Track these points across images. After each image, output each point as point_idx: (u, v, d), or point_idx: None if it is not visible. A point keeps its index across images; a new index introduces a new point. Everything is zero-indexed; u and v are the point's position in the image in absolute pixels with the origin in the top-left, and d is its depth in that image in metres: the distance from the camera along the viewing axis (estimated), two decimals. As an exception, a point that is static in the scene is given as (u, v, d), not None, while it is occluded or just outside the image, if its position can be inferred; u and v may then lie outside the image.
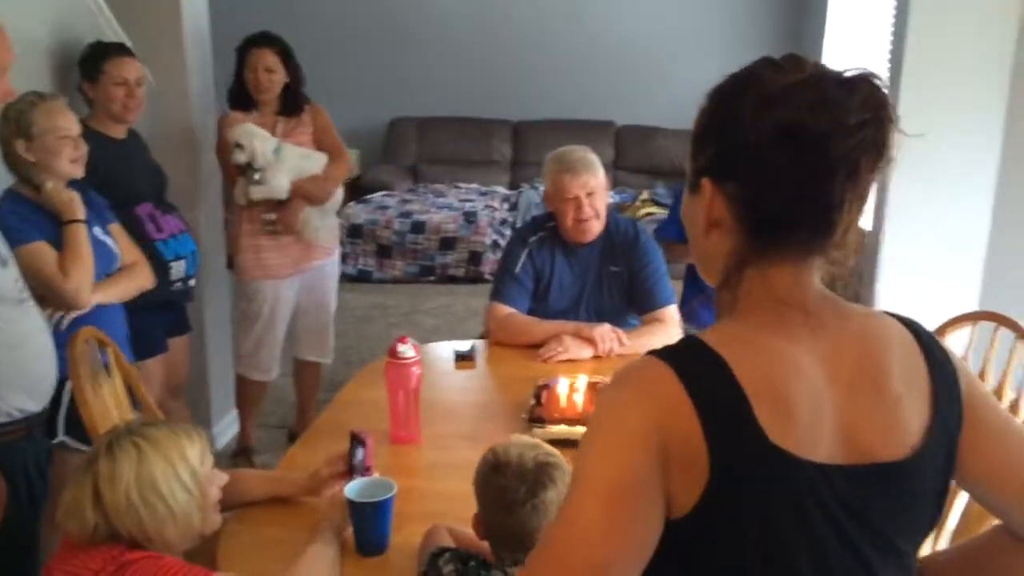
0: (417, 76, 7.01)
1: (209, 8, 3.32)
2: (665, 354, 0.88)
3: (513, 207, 6.31)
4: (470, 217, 5.91)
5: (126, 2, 3.00)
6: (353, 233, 5.87)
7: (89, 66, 2.66)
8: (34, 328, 1.63)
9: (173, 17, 3.10)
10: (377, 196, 6.27)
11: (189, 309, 3.03)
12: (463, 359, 2.52)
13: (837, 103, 0.84)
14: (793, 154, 0.84)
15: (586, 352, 2.48)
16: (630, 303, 2.67)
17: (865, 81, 0.85)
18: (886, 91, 0.86)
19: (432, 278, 5.89)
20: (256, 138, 3.01)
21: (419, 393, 2.00)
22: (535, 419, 2.01)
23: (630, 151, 6.77)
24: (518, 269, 2.64)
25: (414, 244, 5.85)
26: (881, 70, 4.54)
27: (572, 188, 2.53)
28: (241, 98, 3.17)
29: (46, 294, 2.06)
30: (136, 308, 2.52)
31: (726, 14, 6.74)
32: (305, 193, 3.15)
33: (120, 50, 2.72)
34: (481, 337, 4.75)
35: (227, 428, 3.59)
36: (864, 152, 0.85)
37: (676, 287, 3.06)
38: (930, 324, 1.22)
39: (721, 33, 6.76)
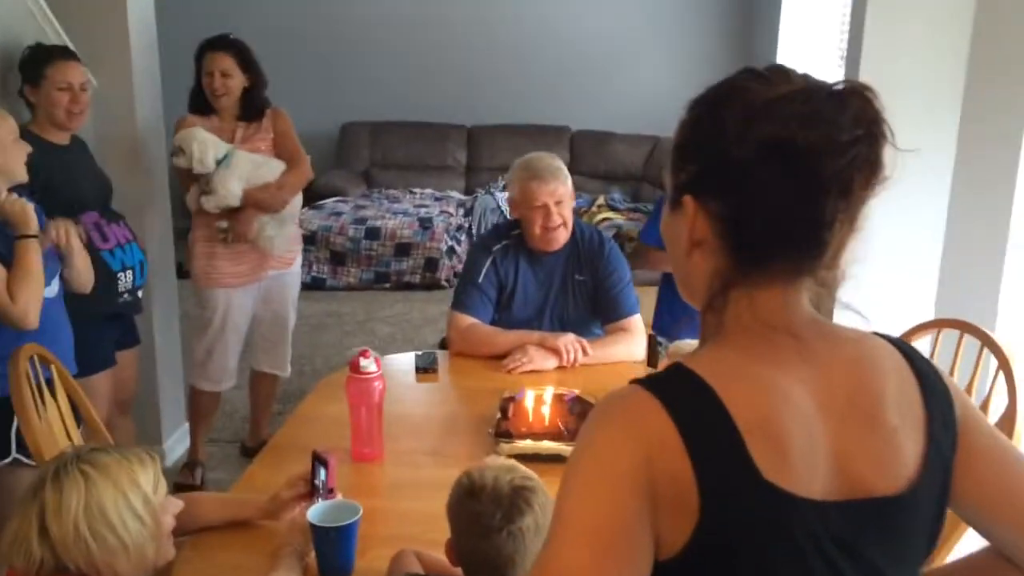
0: (369, 80, 6.92)
1: (156, 12, 3.22)
2: (652, 384, 0.82)
3: (468, 212, 6.26)
4: (425, 223, 5.84)
5: (69, 3, 2.89)
6: (307, 240, 5.73)
7: (30, 70, 2.55)
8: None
9: (119, 19, 3.00)
10: (330, 202, 6.17)
11: (138, 320, 2.93)
12: (425, 371, 2.46)
13: (828, 118, 0.80)
14: (781, 172, 0.80)
15: (551, 362, 2.44)
16: (595, 312, 2.63)
17: (857, 94, 0.82)
18: (879, 105, 0.83)
19: (387, 285, 5.80)
20: (196, 142, 2.90)
21: (382, 408, 1.94)
22: (501, 433, 1.96)
23: (585, 156, 6.76)
24: (481, 278, 2.59)
25: (369, 250, 5.76)
26: (835, 74, 4.60)
27: (541, 196, 2.50)
28: (200, 102, 3.07)
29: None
30: (82, 320, 2.43)
31: (678, 18, 6.78)
32: (256, 201, 3.05)
33: (63, 53, 2.61)
34: (441, 347, 4.75)
35: (177, 443, 3.48)
36: (857, 170, 0.81)
37: (650, 294, 3.06)
38: (888, 331, 1.23)
39: (674, 37, 6.81)
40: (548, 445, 1.90)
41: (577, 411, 2.06)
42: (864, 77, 2.91)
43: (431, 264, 5.79)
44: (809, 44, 5.53)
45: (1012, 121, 2.79)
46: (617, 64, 6.83)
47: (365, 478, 1.91)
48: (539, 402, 2.06)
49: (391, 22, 6.82)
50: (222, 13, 6.29)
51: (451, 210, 6.18)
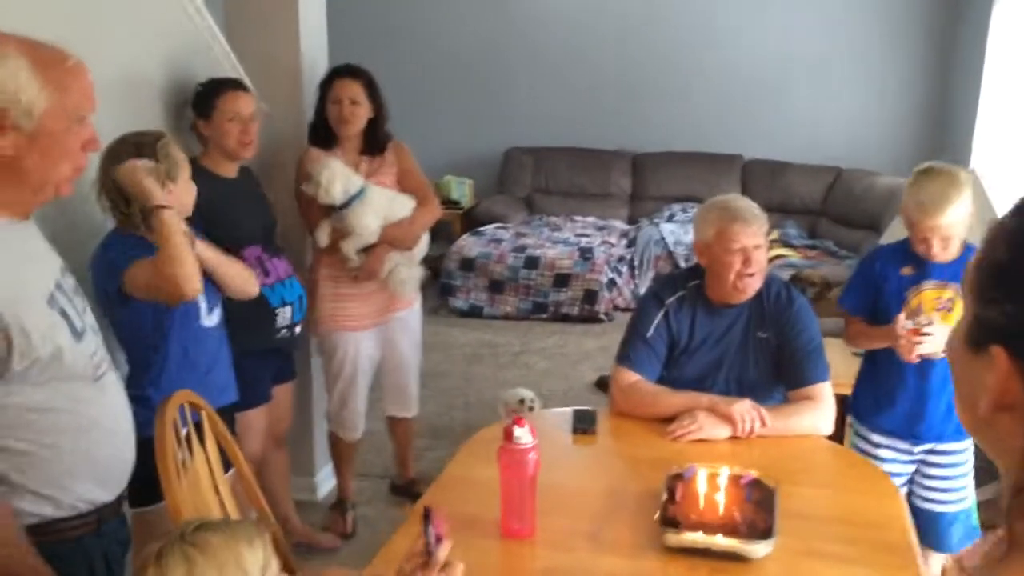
0: (533, 106, 6.85)
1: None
2: None
3: (631, 243, 6.04)
4: (586, 254, 5.67)
5: (245, 36, 2.91)
6: (465, 266, 5.72)
7: (202, 103, 2.57)
8: (111, 407, 1.48)
9: (292, 50, 3.00)
10: (490, 228, 6.11)
11: (295, 355, 2.90)
12: (584, 432, 2.26)
13: None
14: None
15: (722, 431, 2.19)
16: (777, 376, 2.36)
17: None
18: None
19: (544, 316, 5.66)
20: (327, 170, 2.78)
21: (536, 482, 1.77)
22: (668, 521, 1.73)
23: (757, 187, 6.37)
24: (650, 332, 2.37)
25: (527, 280, 5.65)
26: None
27: (742, 238, 2.26)
28: (322, 134, 2.96)
29: (164, 299, 1.93)
30: (241, 354, 2.41)
31: (859, 45, 6.29)
32: (392, 238, 2.93)
33: (234, 84, 2.61)
34: (598, 385, 4.56)
35: (328, 476, 3.44)
36: None
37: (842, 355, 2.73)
38: None
39: (853, 65, 6.32)
40: (721, 542, 1.66)
41: (755, 499, 1.81)
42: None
43: (590, 296, 5.61)
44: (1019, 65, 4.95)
45: None
46: (793, 89, 6.42)
47: (514, 559, 1.75)
48: (712, 485, 1.82)
49: (556, 47, 6.72)
50: (384, 42, 6.41)
51: (613, 240, 5.98)
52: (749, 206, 2.33)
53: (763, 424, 2.19)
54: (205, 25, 2.70)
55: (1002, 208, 2.17)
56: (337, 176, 2.78)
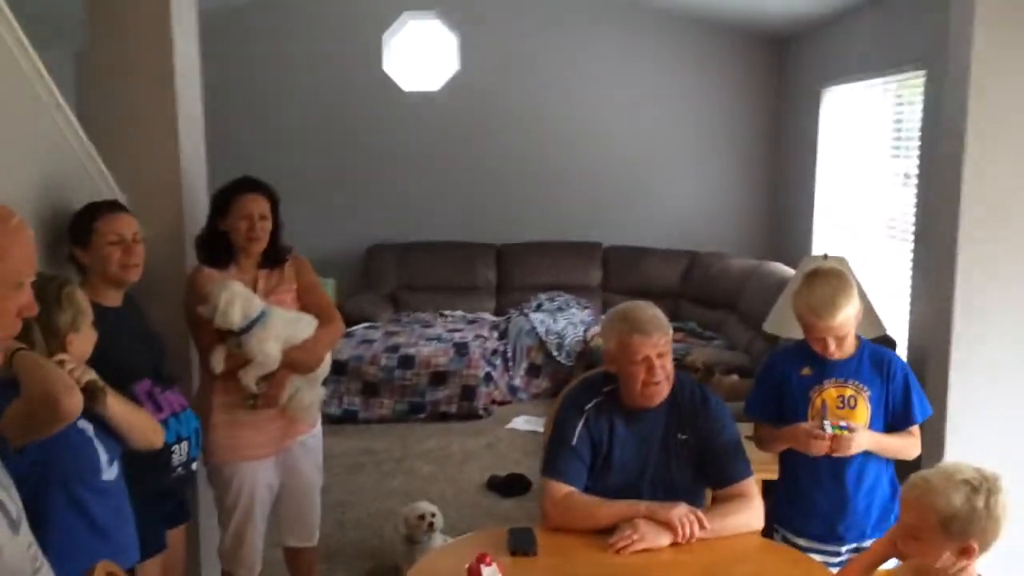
0: (394, 201, 6.84)
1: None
2: None
3: (503, 335, 6.05)
4: (461, 349, 5.62)
5: (121, 156, 2.73)
6: (337, 370, 5.51)
7: (79, 230, 2.37)
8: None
9: (171, 168, 2.84)
10: (360, 329, 5.95)
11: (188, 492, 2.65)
12: (523, 553, 2.17)
13: None
14: None
15: (664, 539, 2.16)
16: (702, 476, 2.37)
17: None
18: None
19: (422, 416, 5.53)
20: (226, 293, 2.60)
21: (504, 623, 1.67)
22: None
23: (618, 273, 6.61)
24: (575, 440, 2.34)
25: (403, 380, 5.51)
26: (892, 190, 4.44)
27: (643, 349, 2.27)
28: (218, 251, 2.79)
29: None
30: (133, 500, 2.16)
31: (705, 140, 6.75)
32: (294, 362, 2.75)
33: (112, 207, 2.43)
34: (489, 486, 4.44)
35: (224, 621, 3.14)
36: None
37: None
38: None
39: (701, 158, 6.76)
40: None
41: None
42: (964, 213, 2.77)
43: (468, 392, 5.54)
44: (855, 165, 5.43)
45: None
46: (648, 180, 6.76)
47: None
48: (679, 604, 1.78)
49: (414, 143, 6.78)
50: (243, 140, 6.25)
51: (485, 333, 5.97)
52: (651, 316, 2.33)
53: (702, 527, 2.18)
54: (82, 148, 2.51)
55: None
56: (237, 299, 2.60)
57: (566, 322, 6.10)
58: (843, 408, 2.36)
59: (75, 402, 1.74)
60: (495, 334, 6.04)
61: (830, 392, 2.36)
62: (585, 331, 5.99)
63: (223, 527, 2.86)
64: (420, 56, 6.87)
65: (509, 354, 5.94)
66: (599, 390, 2.42)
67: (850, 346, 2.37)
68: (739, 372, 4.80)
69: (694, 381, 2.50)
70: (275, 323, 2.69)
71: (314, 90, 6.63)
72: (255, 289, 2.75)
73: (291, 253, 2.91)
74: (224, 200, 2.77)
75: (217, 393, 2.76)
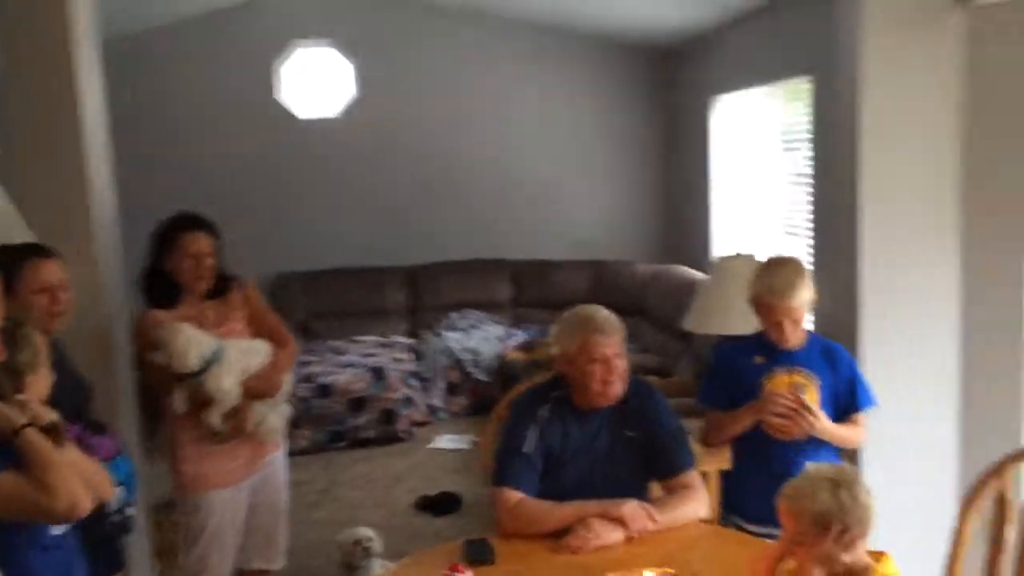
0: (300, 229, 6.72)
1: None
2: None
3: (419, 357, 6.03)
4: (379, 374, 5.57)
5: (30, 195, 2.62)
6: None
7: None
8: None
9: (80, 201, 2.74)
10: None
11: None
12: (481, 563, 2.19)
13: None
14: None
15: (617, 535, 2.22)
16: (649, 470, 2.45)
17: None
18: None
19: (343, 444, 5.45)
20: (183, 338, 2.61)
21: (481, 630, 1.68)
22: (617, 639, 1.72)
23: (529, 287, 6.70)
24: (526, 447, 2.37)
25: (321, 409, 5.42)
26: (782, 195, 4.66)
27: (602, 349, 2.34)
28: (163, 290, 2.78)
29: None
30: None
31: (605, 146, 6.92)
32: (255, 391, 2.78)
33: (37, 251, 2.34)
34: (419, 506, 4.41)
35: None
36: None
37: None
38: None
39: (602, 164, 6.93)
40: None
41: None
42: (862, 207, 2.96)
43: (388, 416, 5.50)
44: (740, 158, 5.68)
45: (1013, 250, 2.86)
46: (550, 194, 6.87)
47: None
48: (645, 594, 1.84)
49: (317, 170, 6.70)
50: (145, 168, 6.04)
51: (401, 356, 5.94)
52: (606, 317, 2.42)
53: (653, 521, 2.25)
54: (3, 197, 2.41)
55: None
56: (192, 343, 2.59)
57: (480, 338, 6.13)
58: (793, 395, 2.46)
59: (86, 507, 1.76)
60: (410, 356, 6.02)
61: (782, 379, 2.48)
62: (500, 346, 6.04)
63: (185, 552, 2.83)
64: (317, 83, 6.81)
65: (426, 375, 5.93)
66: (547, 396, 2.46)
67: (801, 336, 2.49)
68: (657, 373, 4.95)
69: (638, 379, 2.58)
70: (231, 358, 2.69)
71: (213, 119, 6.47)
72: (204, 322, 2.74)
73: (237, 281, 2.90)
74: (167, 239, 2.74)
75: (182, 429, 2.76)
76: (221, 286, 2.86)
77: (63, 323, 2.35)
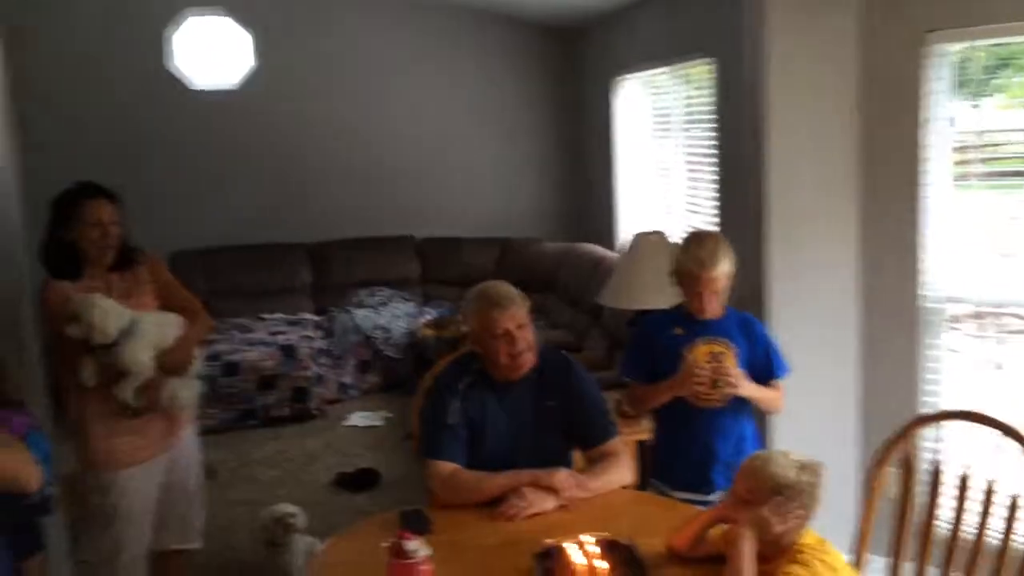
0: (196, 204, 6.51)
1: None
2: None
3: (328, 334, 5.97)
4: (289, 351, 5.50)
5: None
6: (155, 385, 5.23)
7: None
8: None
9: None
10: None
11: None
12: (419, 532, 2.21)
13: None
14: None
15: (549, 503, 2.29)
16: (570, 439, 2.53)
17: None
18: None
19: (254, 422, 5.36)
20: (98, 310, 2.55)
21: (431, 596, 1.72)
22: (561, 600, 1.79)
23: (435, 264, 6.71)
24: (450, 419, 2.42)
25: (229, 388, 5.31)
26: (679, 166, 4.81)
27: (502, 323, 2.39)
28: (63, 262, 2.69)
29: None
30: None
31: (505, 128, 6.97)
32: (169, 365, 2.73)
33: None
34: (338, 483, 4.39)
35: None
36: None
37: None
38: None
39: (503, 146, 6.99)
40: (623, 605, 1.76)
41: (622, 558, 1.93)
42: (770, 179, 3.11)
43: (300, 394, 5.44)
44: (643, 138, 5.83)
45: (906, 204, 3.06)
46: (455, 172, 6.89)
47: None
48: (586, 555, 1.91)
49: (212, 143, 6.50)
50: (36, 141, 5.73)
51: (310, 333, 5.87)
52: (505, 291, 2.47)
53: (583, 488, 2.34)
54: None
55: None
56: (109, 314, 2.50)
57: (390, 316, 6.12)
58: (713, 363, 2.57)
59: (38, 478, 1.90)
60: (320, 333, 5.96)
61: (701, 348, 2.57)
62: (411, 323, 6.04)
63: (95, 537, 2.75)
64: (212, 53, 6.59)
65: (336, 352, 5.88)
66: (469, 369, 2.51)
67: (719, 308, 2.60)
68: (568, 348, 5.04)
69: (556, 350, 2.65)
70: (146, 330, 2.64)
71: (107, 90, 6.19)
72: (109, 293, 2.66)
73: (142, 254, 2.82)
74: (69, 208, 2.64)
75: (91, 403, 2.67)
76: (126, 258, 2.79)
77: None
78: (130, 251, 2.81)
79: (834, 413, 3.27)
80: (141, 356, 2.62)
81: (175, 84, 6.37)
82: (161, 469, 2.85)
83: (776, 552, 1.83)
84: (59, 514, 2.81)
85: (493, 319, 2.40)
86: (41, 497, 2.31)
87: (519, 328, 2.42)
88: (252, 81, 6.49)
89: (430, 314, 6.13)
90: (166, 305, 2.84)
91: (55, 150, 5.73)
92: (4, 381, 2.38)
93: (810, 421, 3.11)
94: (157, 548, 2.98)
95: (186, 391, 2.80)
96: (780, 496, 1.80)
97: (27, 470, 1.94)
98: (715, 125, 4.51)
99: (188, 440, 2.96)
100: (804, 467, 1.84)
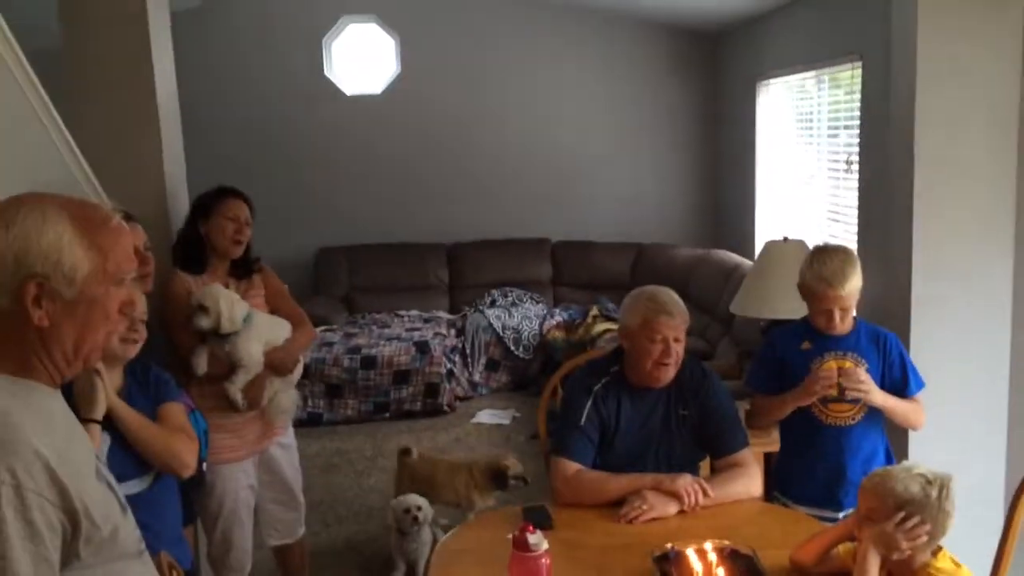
0: (342, 204, 6.84)
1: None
2: None
3: (460, 332, 6.13)
4: (422, 347, 5.67)
5: (108, 164, 2.72)
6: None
7: None
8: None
9: (156, 173, 2.84)
10: (318, 332, 5.93)
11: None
12: (538, 527, 2.26)
13: None
14: None
15: (671, 508, 2.29)
16: (701, 448, 2.51)
17: None
18: None
19: (387, 415, 5.57)
20: (223, 299, 2.70)
21: (550, 590, 1.77)
22: (679, 603, 1.80)
23: (568, 267, 6.76)
24: (583, 420, 2.44)
25: (366, 381, 5.54)
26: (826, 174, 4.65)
27: (665, 330, 2.40)
28: (195, 256, 2.85)
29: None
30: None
31: (648, 128, 6.93)
32: (275, 363, 2.85)
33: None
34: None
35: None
36: None
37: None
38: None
39: (645, 147, 6.94)
40: (739, 614, 1.75)
41: (742, 568, 1.92)
42: (917, 194, 2.97)
43: (432, 390, 5.60)
44: (785, 143, 5.68)
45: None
46: (592, 176, 6.92)
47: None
48: (704, 562, 1.91)
49: (359, 146, 6.79)
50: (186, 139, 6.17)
51: (443, 331, 6.04)
52: (675, 300, 2.46)
53: (706, 495, 2.32)
54: (72, 157, 2.51)
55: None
56: (236, 304, 2.68)
57: (521, 316, 6.21)
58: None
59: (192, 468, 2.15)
60: (452, 331, 6.12)
61: (831, 364, 2.48)
62: (541, 324, 6.12)
63: (208, 534, 2.90)
64: (361, 60, 6.89)
65: (468, 350, 6.03)
66: (606, 371, 2.53)
67: (849, 323, 2.51)
68: (698, 356, 4.98)
69: (694, 359, 2.63)
70: (259, 325, 2.78)
71: (261, 94, 6.59)
72: None
73: (259, 264, 2.99)
74: (209, 203, 2.84)
75: (194, 397, 2.75)
76: (247, 266, 2.95)
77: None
78: (251, 260, 2.97)
79: (981, 430, 3.08)
80: (252, 347, 2.74)
81: (329, 90, 6.70)
82: (255, 469, 2.96)
83: (907, 573, 1.77)
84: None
85: (659, 323, 2.40)
86: (198, 472, 2.49)
87: (676, 341, 2.42)
88: (396, 86, 6.74)
89: (560, 316, 6.19)
90: (274, 312, 2.97)
91: (212, 155, 6.15)
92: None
93: (953, 439, 2.95)
94: (267, 543, 3.14)
95: (286, 397, 2.90)
96: (903, 512, 1.73)
97: (187, 459, 2.11)
98: (860, 131, 4.36)
99: (285, 443, 3.05)
100: (929, 481, 1.75)
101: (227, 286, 2.86)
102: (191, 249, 2.85)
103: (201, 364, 2.75)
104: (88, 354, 1.23)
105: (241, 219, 2.86)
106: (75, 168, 2.56)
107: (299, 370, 3.01)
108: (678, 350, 2.42)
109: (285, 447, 3.04)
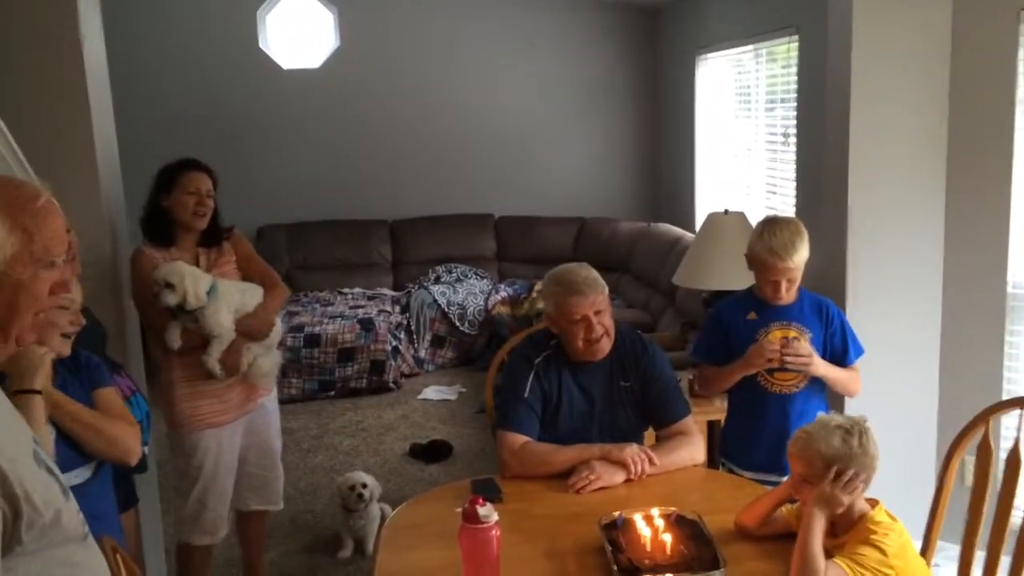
0: (282, 181, 6.71)
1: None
2: None
3: (404, 309, 6.10)
4: (367, 325, 5.63)
5: (35, 135, 2.62)
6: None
7: None
8: (101, 569, 1.29)
9: (86, 143, 2.75)
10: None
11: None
12: (489, 501, 2.27)
13: None
14: None
15: (618, 477, 2.32)
16: (644, 418, 2.54)
17: None
18: None
19: (332, 393, 5.53)
20: (188, 276, 2.70)
21: (499, 562, 1.78)
22: (626, 570, 1.82)
23: (512, 242, 6.76)
24: (527, 392, 2.46)
25: (310, 359, 5.48)
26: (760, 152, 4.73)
27: (580, 309, 2.40)
28: (159, 231, 2.84)
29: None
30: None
31: (589, 102, 6.94)
32: (248, 329, 2.87)
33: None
34: (411, 453, 4.52)
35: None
36: None
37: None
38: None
39: (586, 121, 6.96)
40: (687, 578, 1.78)
41: (688, 533, 1.95)
42: (853, 164, 3.04)
43: (377, 367, 5.57)
44: (724, 117, 5.75)
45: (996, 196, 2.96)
46: (533, 151, 6.91)
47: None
48: (652, 527, 1.94)
49: (299, 121, 6.67)
50: (126, 117, 5.99)
51: (388, 308, 6.00)
52: (585, 277, 2.45)
53: (652, 464, 2.35)
54: (3, 141, 2.40)
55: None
56: (199, 279, 2.64)
57: (466, 292, 6.21)
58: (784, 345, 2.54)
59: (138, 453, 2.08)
60: (397, 308, 6.09)
61: (775, 333, 2.54)
62: (486, 300, 6.12)
63: (183, 495, 2.91)
64: (299, 33, 6.75)
65: (413, 327, 6.01)
66: (546, 344, 2.54)
67: (794, 293, 2.56)
68: (642, 328, 5.04)
69: (633, 330, 2.66)
70: (226, 294, 2.78)
71: (197, 68, 6.42)
72: (197, 264, 2.83)
73: (230, 232, 2.95)
74: (170, 176, 2.82)
75: (176, 367, 2.83)
76: (215, 235, 2.93)
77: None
78: (219, 229, 2.95)
79: (914, 398, 3.20)
80: (222, 318, 2.75)
81: (265, 64, 6.55)
82: (241, 433, 2.98)
83: (848, 523, 1.82)
84: (153, 476, 2.95)
85: (572, 304, 2.41)
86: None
87: (597, 314, 2.42)
88: (335, 60, 6.62)
89: (505, 292, 6.20)
90: (246, 277, 2.97)
91: (148, 128, 5.99)
92: (107, 345, 2.51)
93: (889, 405, 3.05)
94: (242, 508, 3.14)
95: (267, 360, 2.92)
96: (834, 468, 1.78)
97: (133, 446, 2.06)
98: (797, 104, 4.43)
99: (269, 406, 3.08)
100: (848, 430, 1.80)
101: (197, 257, 2.88)
102: (156, 223, 2.85)
103: (174, 339, 2.77)
104: (19, 335, 1.19)
105: (202, 191, 2.85)
106: (0, 144, 2.46)
107: (277, 331, 3.02)
108: (603, 322, 2.42)
109: (268, 411, 3.08)
